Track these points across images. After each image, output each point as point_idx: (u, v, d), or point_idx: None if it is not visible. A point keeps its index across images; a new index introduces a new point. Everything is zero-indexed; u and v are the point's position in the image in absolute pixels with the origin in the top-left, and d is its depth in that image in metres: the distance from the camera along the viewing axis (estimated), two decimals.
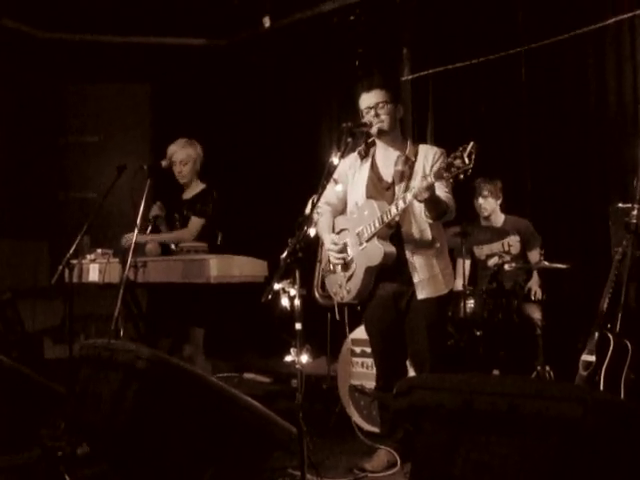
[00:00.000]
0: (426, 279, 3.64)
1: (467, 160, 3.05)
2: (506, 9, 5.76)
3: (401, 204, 3.43)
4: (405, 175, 3.63)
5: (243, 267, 4.02)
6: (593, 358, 3.76)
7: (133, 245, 3.92)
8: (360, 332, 4.81)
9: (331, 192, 3.86)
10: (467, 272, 4.83)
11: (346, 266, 3.77)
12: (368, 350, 4.70)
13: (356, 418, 4.68)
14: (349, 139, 3.42)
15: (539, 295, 4.91)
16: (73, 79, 7.61)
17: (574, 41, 5.39)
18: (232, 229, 4.90)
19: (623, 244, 3.95)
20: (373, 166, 3.79)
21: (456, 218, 3.78)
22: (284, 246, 3.12)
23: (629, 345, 3.69)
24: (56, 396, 3.64)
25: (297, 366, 3.10)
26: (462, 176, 3.09)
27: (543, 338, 4.69)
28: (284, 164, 7.36)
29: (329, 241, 3.79)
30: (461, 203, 3.84)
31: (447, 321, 3.94)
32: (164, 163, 4.46)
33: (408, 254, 3.63)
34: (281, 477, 3.46)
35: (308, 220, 3.25)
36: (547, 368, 4.59)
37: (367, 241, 3.62)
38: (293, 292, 3.15)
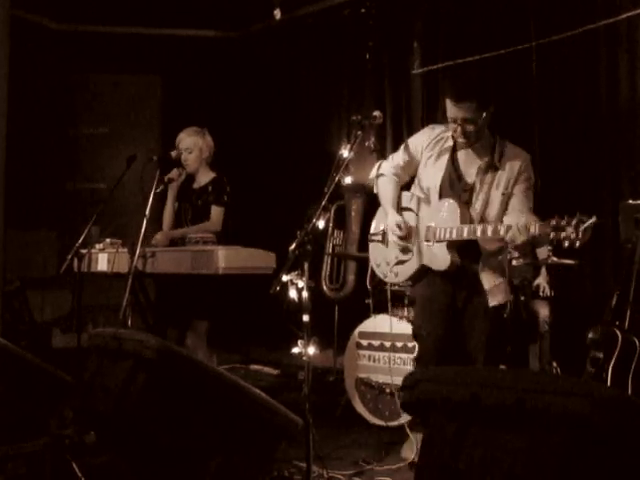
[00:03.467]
0: (489, 288, 3.54)
1: (580, 235, 2.86)
2: (517, 3, 5.73)
3: (490, 234, 3.29)
4: (487, 182, 3.50)
5: (251, 259, 4.01)
6: (601, 354, 3.75)
7: (142, 236, 3.93)
8: (367, 325, 4.82)
9: (402, 159, 3.78)
10: None
11: (403, 251, 3.71)
12: (375, 343, 4.73)
13: (362, 411, 4.69)
14: (359, 132, 3.42)
15: (547, 291, 4.89)
16: (84, 70, 7.62)
17: (585, 36, 5.36)
18: (241, 220, 4.90)
19: (633, 240, 3.94)
20: (454, 161, 3.63)
21: None
22: (293, 238, 3.13)
23: (637, 342, 3.68)
24: (64, 385, 3.65)
25: (304, 358, 3.11)
26: (567, 244, 2.89)
27: (551, 334, 4.68)
28: (294, 156, 7.36)
29: (393, 221, 3.67)
30: None
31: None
32: (174, 154, 4.46)
33: (480, 263, 3.55)
34: (287, 468, 3.47)
35: (317, 212, 3.24)
36: (554, 364, 4.58)
37: (437, 242, 3.52)
38: (301, 284, 3.15)
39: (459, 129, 3.45)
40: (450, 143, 3.63)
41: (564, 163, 5.43)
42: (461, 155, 3.62)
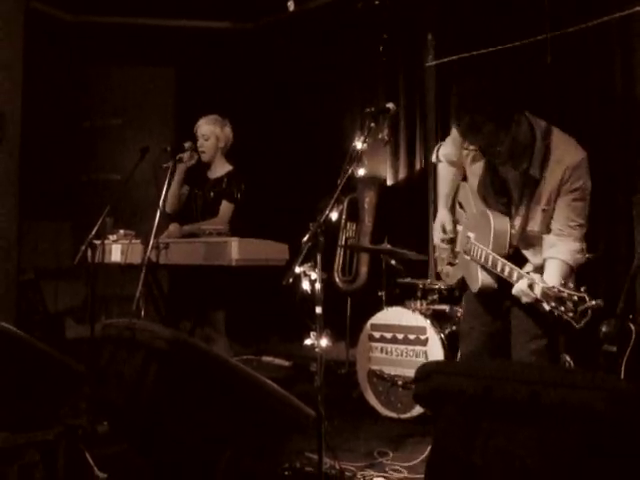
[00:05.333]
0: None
1: (578, 317, 2.59)
2: None
3: (514, 280, 2.91)
4: (527, 195, 3.04)
5: (264, 250, 4.02)
6: (614, 348, 3.73)
7: (155, 228, 3.94)
8: (380, 317, 4.82)
9: (449, 146, 3.44)
10: None
11: (453, 253, 3.49)
12: (387, 335, 4.73)
13: (374, 403, 4.70)
14: (372, 124, 3.39)
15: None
16: (98, 62, 7.63)
17: (600, 28, 5.31)
18: (254, 212, 4.91)
19: None
20: (490, 162, 3.15)
21: None
22: (305, 230, 3.12)
23: None
24: (77, 375, 3.67)
25: (317, 350, 3.11)
26: (564, 319, 2.62)
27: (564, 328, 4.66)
28: (307, 148, 7.35)
29: (439, 220, 3.44)
30: None
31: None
32: (187, 145, 4.47)
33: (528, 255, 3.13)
34: (299, 460, 3.47)
35: (330, 204, 3.22)
36: (567, 358, 4.56)
37: (471, 258, 3.24)
38: (314, 276, 3.15)
39: (485, 154, 3.08)
40: None
41: None
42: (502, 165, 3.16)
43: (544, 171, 2.97)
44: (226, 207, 4.49)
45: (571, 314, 2.59)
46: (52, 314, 6.93)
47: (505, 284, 3.01)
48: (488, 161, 3.15)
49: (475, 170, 3.25)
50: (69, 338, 6.75)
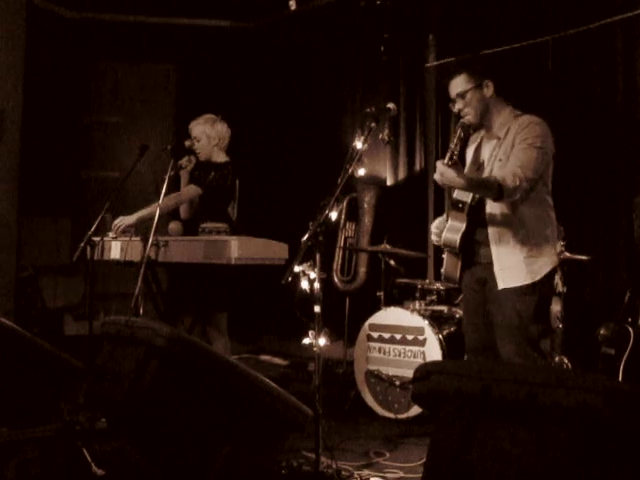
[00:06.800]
0: (506, 268, 3.21)
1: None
2: None
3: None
4: (492, 157, 3.33)
5: (264, 249, 4.01)
6: (613, 351, 3.74)
7: (155, 224, 3.94)
8: (378, 317, 4.82)
9: None
10: None
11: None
12: (385, 335, 4.73)
13: (372, 403, 4.70)
14: (372, 124, 3.39)
15: (560, 287, 4.88)
16: (99, 59, 7.64)
17: (603, 30, 5.32)
18: (254, 211, 4.90)
19: None
20: (477, 150, 3.49)
21: None
22: (305, 229, 3.13)
23: None
24: (75, 371, 3.68)
25: (315, 349, 3.12)
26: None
27: (563, 330, 4.67)
28: (307, 147, 7.35)
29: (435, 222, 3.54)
30: None
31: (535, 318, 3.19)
32: (187, 143, 4.46)
33: (490, 237, 3.25)
34: (296, 459, 3.48)
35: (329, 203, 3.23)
36: (565, 360, 4.57)
37: (446, 219, 3.39)
38: (313, 275, 3.16)
39: (455, 108, 3.39)
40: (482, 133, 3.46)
41: (579, 158, 5.40)
42: (485, 143, 3.43)
43: (509, 132, 3.24)
44: (189, 188, 4.43)
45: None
46: (51, 310, 6.93)
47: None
48: (477, 147, 3.43)
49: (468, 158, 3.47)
50: (67, 335, 6.75)
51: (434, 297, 5.06)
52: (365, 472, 3.53)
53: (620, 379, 3.59)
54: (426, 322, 4.57)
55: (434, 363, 2.41)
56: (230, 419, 2.66)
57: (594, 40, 5.39)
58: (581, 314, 4.97)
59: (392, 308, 4.82)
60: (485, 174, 3.27)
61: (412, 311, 4.73)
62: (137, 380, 2.65)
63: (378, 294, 5.14)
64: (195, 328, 4.38)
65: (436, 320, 4.68)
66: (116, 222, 4.31)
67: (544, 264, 3.22)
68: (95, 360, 3.14)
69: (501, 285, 3.20)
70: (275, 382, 2.85)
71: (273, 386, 2.79)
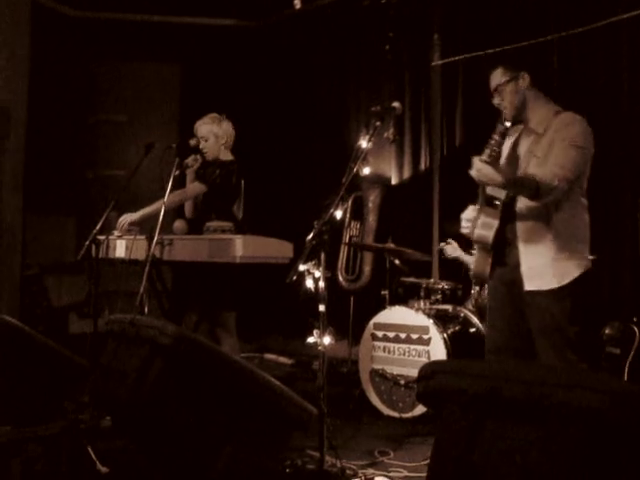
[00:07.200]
0: (533, 267, 3.19)
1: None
2: None
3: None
4: (530, 153, 3.30)
5: (269, 248, 4.01)
6: (618, 350, 3.73)
7: (160, 222, 3.94)
8: (382, 316, 4.82)
9: None
10: None
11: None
12: (390, 334, 4.73)
13: (376, 402, 4.70)
14: (377, 122, 3.38)
15: None
16: (104, 58, 7.64)
17: (608, 29, 5.30)
18: (259, 210, 4.90)
19: None
20: (515, 145, 3.44)
21: None
22: (310, 228, 3.13)
23: None
24: (80, 369, 3.69)
25: (319, 348, 3.11)
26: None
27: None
28: (312, 146, 7.35)
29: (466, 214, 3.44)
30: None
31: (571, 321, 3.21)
32: (192, 142, 4.46)
33: (519, 235, 3.23)
34: (300, 457, 3.48)
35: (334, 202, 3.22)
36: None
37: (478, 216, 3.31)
38: (318, 274, 3.16)
39: (494, 101, 3.38)
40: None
41: None
42: (523, 138, 3.40)
43: (548, 129, 3.21)
44: (194, 185, 4.44)
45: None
46: (56, 309, 6.94)
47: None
48: (516, 141, 3.37)
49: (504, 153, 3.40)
50: (72, 333, 6.76)
51: (439, 296, 5.05)
52: (369, 471, 3.53)
53: (625, 378, 3.58)
54: (431, 321, 4.57)
55: (439, 362, 2.41)
56: (234, 417, 2.66)
57: (599, 39, 5.37)
58: (586, 314, 4.95)
59: (397, 307, 4.81)
60: (520, 170, 3.25)
61: (417, 310, 4.72)
62: (141, 378, 2.66)
63: (383, 293, 5.13)
64: (200, 327, 4.37)
65: (441, 319, 4.68)
66: (120, 219, 4.32)
67: (573, 267, 3.18)
68: (100, 358, 3.15)
69: (527, 286, 3.19)
70: (280, 381, 2.85)
71: (277, 385, 2.79)
